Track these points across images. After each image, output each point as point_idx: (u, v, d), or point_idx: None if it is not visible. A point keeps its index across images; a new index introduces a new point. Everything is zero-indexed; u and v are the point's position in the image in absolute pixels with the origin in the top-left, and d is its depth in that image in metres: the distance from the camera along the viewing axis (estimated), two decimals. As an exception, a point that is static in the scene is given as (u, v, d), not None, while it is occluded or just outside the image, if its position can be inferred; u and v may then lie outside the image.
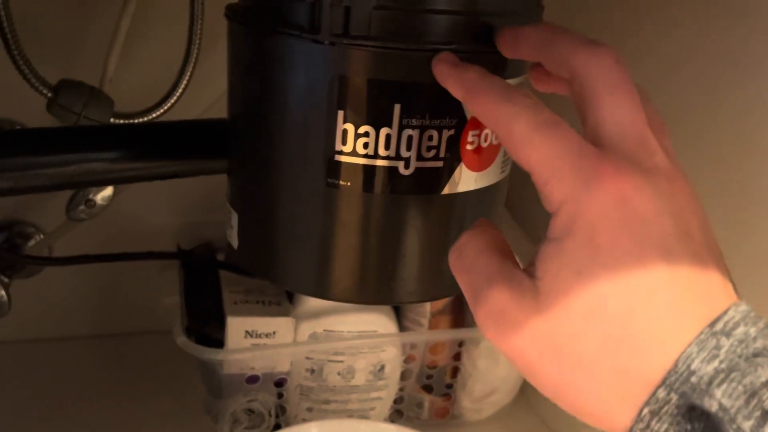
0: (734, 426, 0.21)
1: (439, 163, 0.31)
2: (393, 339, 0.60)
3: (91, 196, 0.60)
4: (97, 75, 0.56)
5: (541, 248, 0.25)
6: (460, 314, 0.64)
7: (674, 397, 0.22)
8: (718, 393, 0.21)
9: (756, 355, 0.22)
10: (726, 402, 0.21)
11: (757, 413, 0.20)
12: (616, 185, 0.23)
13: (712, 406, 0.21)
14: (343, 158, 0.31)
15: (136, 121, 0.58)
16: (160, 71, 0.58)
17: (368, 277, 0.33)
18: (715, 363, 0.22)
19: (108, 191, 0.60)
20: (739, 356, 0.22)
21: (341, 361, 0.59)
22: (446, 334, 0.62)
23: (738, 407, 0.21)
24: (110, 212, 0.62)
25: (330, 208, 0.32)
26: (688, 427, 0.22)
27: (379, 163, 0.31)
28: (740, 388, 0.21)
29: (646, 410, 0.23)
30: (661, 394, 0.22)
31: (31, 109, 0.55)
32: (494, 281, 0.25)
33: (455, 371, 0.65)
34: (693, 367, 0.22)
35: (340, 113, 0.30)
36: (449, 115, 0.30)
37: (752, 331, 0.22)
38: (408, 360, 0.63)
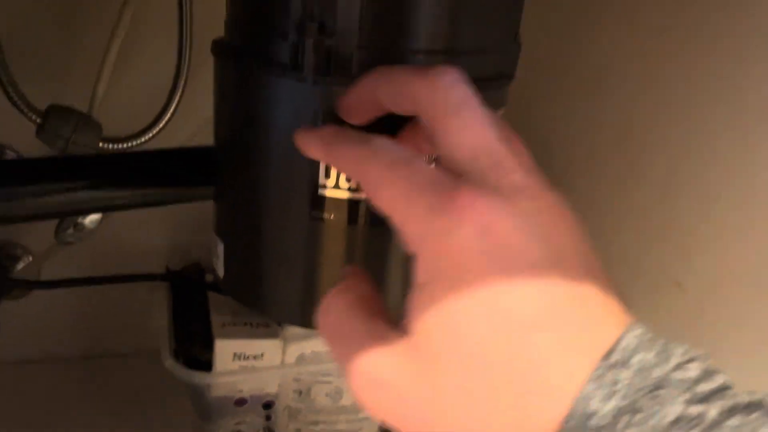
0: None
1: (421, 196, 0.32)
2: (380, 360, 0.60)
3: (79, 220, 0.60)
4: (87, 99, 0.57)
5: (409, 299, 0.22)
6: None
7: None
8: None
9: (657, 387, 0.19)
10: None
11: None
12: (474, 215, 0.21)
13: None
14: (327, 192, 0.31)
15: (125, 145, 0.58)
16: (149, 95, 0.59)
17: (352, 307, 0.34)
18: (615, 400, 0.19)
19: (97, 215, 0.60)
20: (640, 390, 0.19)
21: (329, 382, 0.60)
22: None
23: None
24: (99, 234, 0.62)
25: (314, 241, 0.32)
26: None
27: (362, 196, 0.31)
28: None
29: None
30: None
31: (20, 134, 0.55)
32: (364, 347, 0.23)
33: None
34: (592, 408, 0.19)
35: (324, 148, 0.30)
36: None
37: (650, 357, 0.20)
38: (396, 380, 0.63)
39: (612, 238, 0.54)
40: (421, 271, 0.22)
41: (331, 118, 0.30)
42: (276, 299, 0.35)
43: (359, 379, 0.23)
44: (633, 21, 0.52)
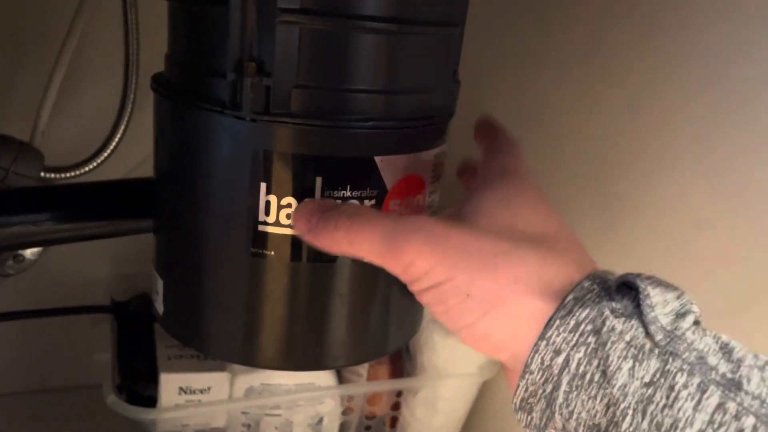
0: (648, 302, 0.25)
1: (362, 232, 0.32)
2: (331, 392, 0.60)
3: (19, 251, 0.58)
4: (29, 129, 0.56)
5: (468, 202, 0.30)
6: (398, 364, 0.64)
7: (597, 288, 0.25)
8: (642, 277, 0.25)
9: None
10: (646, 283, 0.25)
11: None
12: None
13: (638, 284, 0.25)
14: (267, 228, 0.31)
15: (67, 174, 0.57)
16: (94, 125, 0.58)
17: (295, 344, 0.33)
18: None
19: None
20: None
21: (279, 415, 0.59)
22: (384, 385, 0.63)
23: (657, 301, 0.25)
24: (40, 265, 0.60)
25: (255, 277, 0.32)
26: (613, 304, 0.25)
27: (303, 233, 0.31)
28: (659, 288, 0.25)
29: (570, 297, 0.25)
30: (586, 283, 0.26)
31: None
32: (413, 216, 0.30)
33: (394, 421, 0.65)
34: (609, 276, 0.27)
35: (263, 186, 0.30)
36: (370, 185, 0.31)
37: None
38: (346, 411, 0.62)
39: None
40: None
41: (268, 154, 0.30)
42: (216, 337, 0.34)
43: (419, 235, 0.27)
44: (569, 63, 0.53)
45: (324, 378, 0.60)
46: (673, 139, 0.44)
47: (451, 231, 0.28)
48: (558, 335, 0.25)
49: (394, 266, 0.28)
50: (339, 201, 0.31)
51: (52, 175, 0.57)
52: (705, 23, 0.41)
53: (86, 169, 0.57)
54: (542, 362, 0.25)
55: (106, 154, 0.57)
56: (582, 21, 0.52)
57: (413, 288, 0.28)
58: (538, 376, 0.25)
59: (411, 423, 0.64)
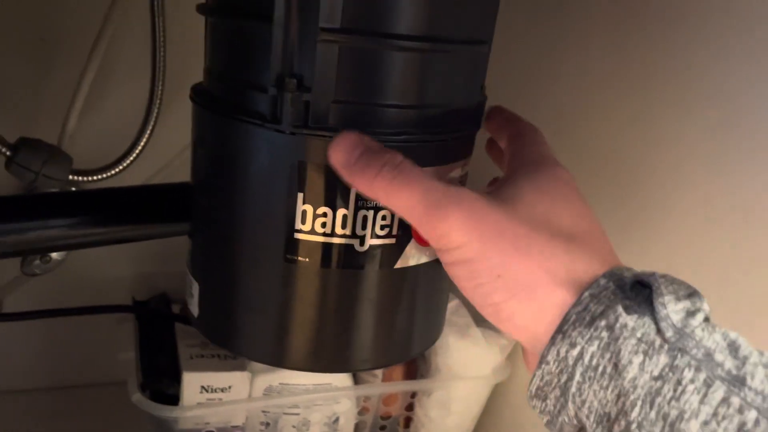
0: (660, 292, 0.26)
1: (392, 240, 0.33)
2: (347, 392, 0.61)
3: (46, 251, 0.60)
4: (57, 132, 0.57)
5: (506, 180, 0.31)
6: (413, 365, 0.65)
7: (612, 285, 0.26)
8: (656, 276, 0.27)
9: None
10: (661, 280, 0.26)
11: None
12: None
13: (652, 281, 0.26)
14: (302, 236, 0.32)
15: (95, 177, 0.58)
16: (121, 128, 0.59)
17: (324, 347, 0.35)
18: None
19: (64, 247, 0.60)
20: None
21: (297, 414, 0.60)
22: (399, 386, 0.64)
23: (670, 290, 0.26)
24: (65, 265, 0.62)
25: (288, 283, 0.33)
26: (626, 301, 0.26)
27: (336, 241, 0.32)
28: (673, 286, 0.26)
29: (587, 293, 0.26)
30: (602, 281, 0.27)
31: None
32: (456, 187, 0.29)
33: (408, 421, 0.66)
34: (626, 273, 0.28)
35: (300, 195, 0.32)
36: (401, 197, 0.32)
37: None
38: (362, 411, 0.64)
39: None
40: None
41: (306, 165, 0.31)
42: (250, 339, 0.35)
43: (463, 204, 0.28)
44: (585, 68, 0.54)
45: (341, 379, 0.61)
46: (692, 143, 0.45)
47: (491, 211, 0.28)
48: (574, 329, 0.26)
49: (428, 231, 0.28)
50: (372, 211, 0.32)
51: (79, 178, 0.58)
52: (721, 29, 0.42)
53: (113, 172, 0.58)
54: (558, 354, 0.26)
55: (132, 158, 0.58)
56: (597, 28, 0.53)
57: (443, 258, 0.29)
58: (554, 367, 0.27)
59: (425, 423, 0.65)
